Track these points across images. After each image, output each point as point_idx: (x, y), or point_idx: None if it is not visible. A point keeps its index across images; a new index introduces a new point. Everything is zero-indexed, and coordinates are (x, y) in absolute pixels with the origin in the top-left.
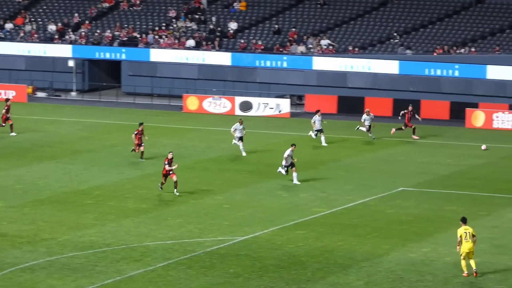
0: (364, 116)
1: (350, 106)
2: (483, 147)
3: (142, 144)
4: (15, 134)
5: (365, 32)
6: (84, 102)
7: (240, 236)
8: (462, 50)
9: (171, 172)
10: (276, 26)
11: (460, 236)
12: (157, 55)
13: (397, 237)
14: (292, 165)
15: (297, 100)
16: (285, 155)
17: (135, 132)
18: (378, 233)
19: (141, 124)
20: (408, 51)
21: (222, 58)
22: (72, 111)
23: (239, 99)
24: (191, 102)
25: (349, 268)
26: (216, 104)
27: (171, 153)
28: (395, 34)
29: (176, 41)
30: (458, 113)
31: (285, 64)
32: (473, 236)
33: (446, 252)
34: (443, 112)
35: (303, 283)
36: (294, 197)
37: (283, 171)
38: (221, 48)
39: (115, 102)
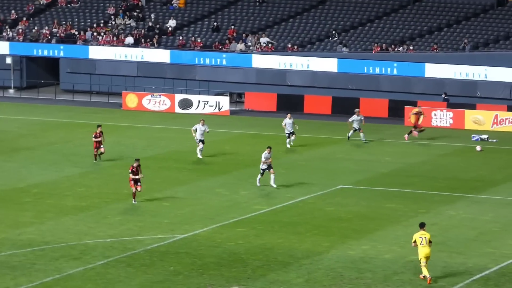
0: (354, 116)
1: (290, 104)
2: (478, 148)
3: (102, 146)
4: None
5: (304, 30)
6: (22, 100)
7: (180, 234)
8: (401, 49)
9: (138, 183)
10: (215, 23)
11: (415, 241)
12: (96, 52)
13: (337, 234)
14: (269, 167)
15: (236, 98)
16: (262, 158)
17: (94, 135)
18: (318, 230)
19: (99, 126)
20: (344, 49)
21: (161, 56)
22: (10, 108)
23: (178, 97)
24: (131, 100)
25: (289, 266)
26: (156, 102)
27: (137, 161)
28: (333, 32)
29: (115, 39)
30: (396, 111)
31: (224, 62)
32: (430, 242)
33: (386, 249)
34: (382, 110)
35: (243, 280)
36: (234, 195)
37: (258, 177)
38: (160, 45)
39: (54, 100)
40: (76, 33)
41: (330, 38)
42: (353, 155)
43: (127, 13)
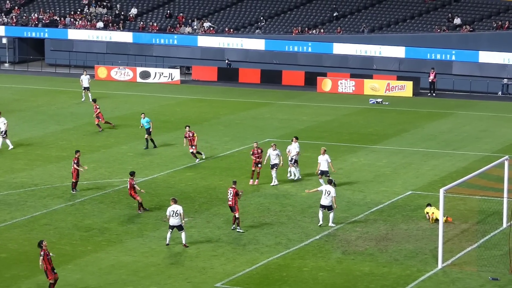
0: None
1: (227, 75)
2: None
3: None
4: None
5: (238, 16)
6: (15, 72)
7: (142, 178)
8: (314, 31)
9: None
10: (168, 11)
11: (427, 213)
12: (74, 34)
13: (264, 177)
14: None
15: (185, 70)
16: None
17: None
18: (250, 174)
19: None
20: (257, 31)
21: (125, 37)
22: (5, 79)
23: (139, 69)
24: (101, 72)
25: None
26: (121, 73)
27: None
28: (261, 18)
29: (88, 23)
30: (311, 80)
31: (175, 42)
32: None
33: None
34: (299, 80)
35: (191, 213)
36: (184, 146)
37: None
38: (124, 28)
39: (40, 72)
40: (58, 19)
41: (259, 23)
42: (278, 115)
43: (98, 2)
